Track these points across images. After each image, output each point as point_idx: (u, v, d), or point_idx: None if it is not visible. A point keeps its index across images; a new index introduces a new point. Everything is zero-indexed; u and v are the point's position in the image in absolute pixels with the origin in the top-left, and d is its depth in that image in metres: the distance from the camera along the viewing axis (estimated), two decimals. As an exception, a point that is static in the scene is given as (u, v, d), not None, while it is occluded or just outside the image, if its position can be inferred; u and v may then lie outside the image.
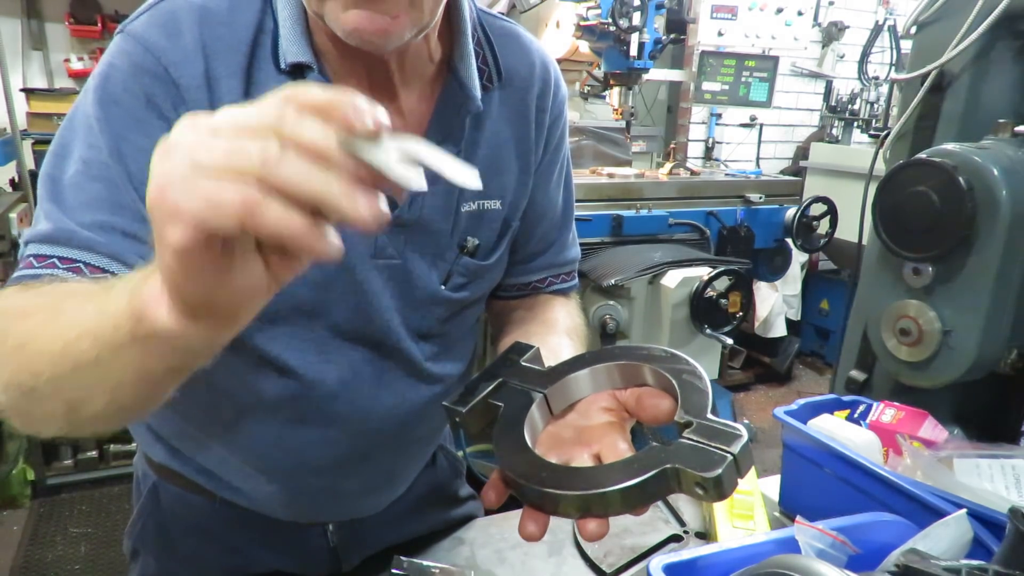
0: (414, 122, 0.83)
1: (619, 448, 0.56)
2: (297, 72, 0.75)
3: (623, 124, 3.01)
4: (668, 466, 0.49)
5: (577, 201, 2.77)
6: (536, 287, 1.02)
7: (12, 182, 3.15)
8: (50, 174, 0.71)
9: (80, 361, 0.52)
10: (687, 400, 0.55)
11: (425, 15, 0.70)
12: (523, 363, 0.66)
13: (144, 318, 0.45)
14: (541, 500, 0.53)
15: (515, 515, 0.71)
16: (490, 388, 0.63)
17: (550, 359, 0.68)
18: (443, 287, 0.88)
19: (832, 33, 4.61)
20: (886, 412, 1.08)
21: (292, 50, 0.74)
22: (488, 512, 1.19)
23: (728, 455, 0.49)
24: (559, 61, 3.16)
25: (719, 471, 0.48)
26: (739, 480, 0.50)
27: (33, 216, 0.73)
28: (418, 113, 0.83)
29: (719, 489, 0.48)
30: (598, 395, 0.63)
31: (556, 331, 0.92)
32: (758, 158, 4.60)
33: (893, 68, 4.55)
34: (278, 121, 0.39)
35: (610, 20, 2.54)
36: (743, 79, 3.33)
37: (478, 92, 0.83)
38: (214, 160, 0.38)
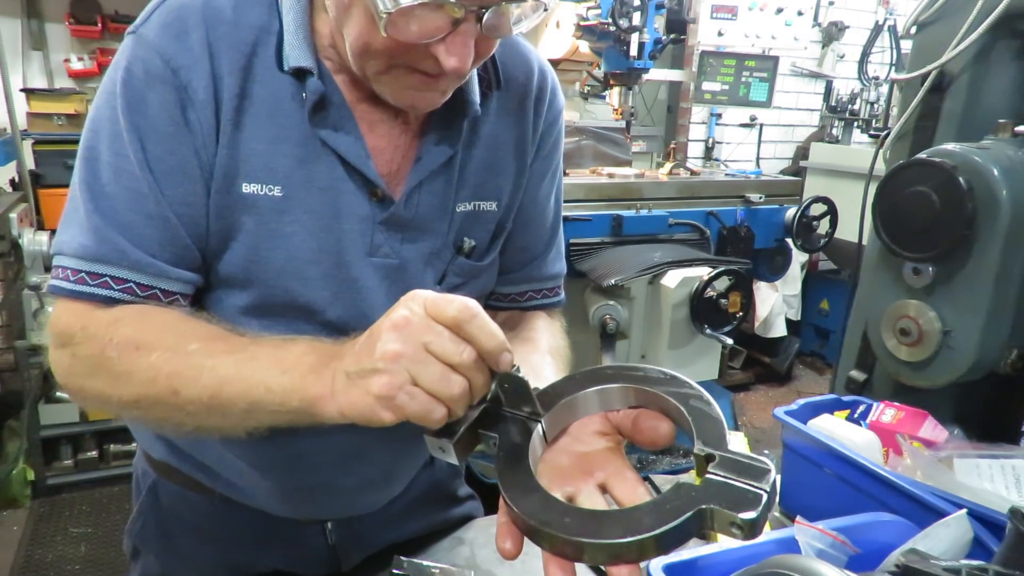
0: (413, 124, 0.84)
1: (627, 477, 0.55)
2: (298, 75, 0.76)
3: (623, 124, 3.02)
4: (704, 507, 0.47)
5: (577, 201, 2.74)
6: (515, 299, 1.01)
7: (12, 182, 3.14)
8: (85, 180, 0.75)
9: (229, 412, 0.68)
10: (702, 430, 0.52)
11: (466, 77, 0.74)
12: (507, 387, 0.62)
13: (315, 414, 0.63)
14: (566, 548, 0.51)
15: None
16: (475, 416, 0.59)
17: (531, 378, 0.65)
18: (438, 287, 0.88)
19: (832, 33, 4.61)
20: (886, 412, 1.08)
21: (294, 54, 0.76)
22: (488, 512, 1.19)
23: (762, 492, 0.47)
24: (559, 61, 3.17)
25: (757, 512, 0.46)
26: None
27: (64, 214, 0.76)
28: (418, 115, 0.83)
29: (755, 529, 0.46)
30: (590, 417, 0.62)
31: (538, 350, 0.91)
32: (758, 158, 4.60)
33: (893, 68, 4.55)
34: (430, 340, 0.56)
35: (610, 20, 2.54)
36: (743, 79, 3.33)
37: (477, 97, 0.84)
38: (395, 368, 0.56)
